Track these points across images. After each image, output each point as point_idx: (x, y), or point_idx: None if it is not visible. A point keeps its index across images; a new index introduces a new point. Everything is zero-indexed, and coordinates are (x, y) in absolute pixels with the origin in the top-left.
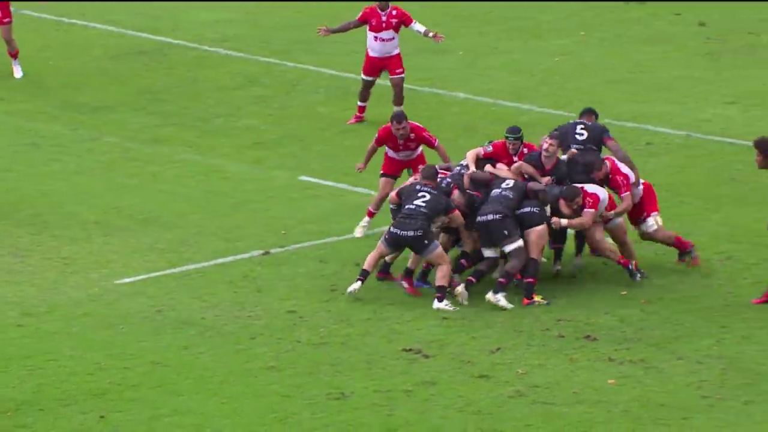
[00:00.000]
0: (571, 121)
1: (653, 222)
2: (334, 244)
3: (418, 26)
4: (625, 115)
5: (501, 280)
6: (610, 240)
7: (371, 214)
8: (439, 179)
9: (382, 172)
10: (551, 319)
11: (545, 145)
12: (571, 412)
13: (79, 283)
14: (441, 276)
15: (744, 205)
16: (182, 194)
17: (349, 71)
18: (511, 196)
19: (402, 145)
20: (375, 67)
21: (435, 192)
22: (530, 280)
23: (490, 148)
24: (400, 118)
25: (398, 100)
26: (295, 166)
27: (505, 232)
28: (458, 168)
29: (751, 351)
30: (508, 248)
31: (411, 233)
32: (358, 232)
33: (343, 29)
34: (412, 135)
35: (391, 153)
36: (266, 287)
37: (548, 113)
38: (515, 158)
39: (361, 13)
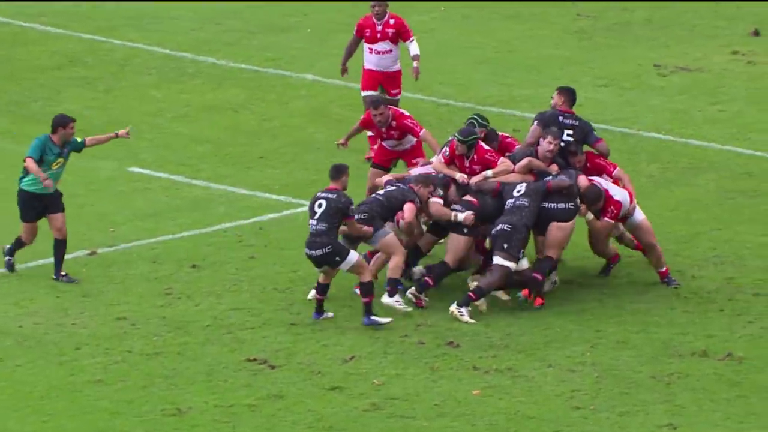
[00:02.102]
0: (559, 119)
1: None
2: (169, 242)
3: (412, 46)
4: (492, 99)
5: (470, 294)
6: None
7: None
8: (389, 188)
9: (372, 162)
10: (410, 325)
11: (551, 147)
12: (432, 426)
13: None
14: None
15: None
16: None
17: (185, 50)
18: (527, 204)
19: (385, 133)
20: (374, 79)
21: (333, 195)
22: (538, 276)
23: (447, 152)
24: (376, 103)
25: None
26: (123, 155)
27: (504, 245)
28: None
29: (626, 357)
30: (497, 260)
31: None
32: None
33: (349, 53)
34: (394, 123)
35: (382, 142)
36: (93, 291)
37: (406, 97)
38: (467, 163)
39: (355, 29)
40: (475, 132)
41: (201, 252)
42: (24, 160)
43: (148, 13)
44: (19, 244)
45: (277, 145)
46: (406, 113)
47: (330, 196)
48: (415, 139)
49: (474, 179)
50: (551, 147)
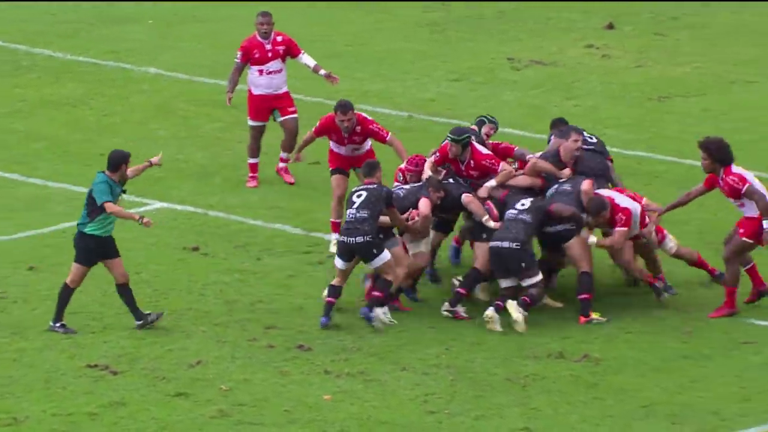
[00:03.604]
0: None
1: (671, 243)
2: (4, 244)
3: (306, 58)
4: (342, 94)
5: (525, 298)
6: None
7: (337, 227)
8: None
9: (330, 168)
10: (259, 328)
11: (576, 144)
12: None
13: None
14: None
15: None
16: None
17: (19, 42)
18: (528, 220)
19: (347, 138)
20: (263, 108)
21: (372, 186)
22: (585, 296)
23: (437, 154)
24: (345, 108)
25: (290, 144)
26: None
27: (523, 265)
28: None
29: (480, 359)
30: (527, 283)
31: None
32: (334, 248)
33: (235, 82)
34: (358, 128)
35: (334, 147)
36: None
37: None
38: (462, 167)
39: (239, 54)
40: (468, 131)
41: (39, 253)
42: (102, 206)
43: None
44: (66, 293)
45: (118, 141)
46: (370, 118)
47: (370, 186)
48: (369, 143)
49: (480, 192)
50: (576, 144)
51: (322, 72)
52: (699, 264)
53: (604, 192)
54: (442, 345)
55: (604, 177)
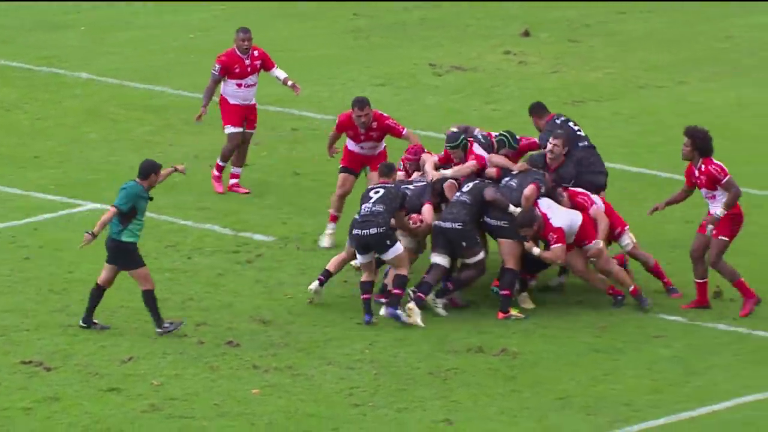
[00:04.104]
0: (560, 119)
1: (628, 239)
2: None
3: (278, 72)
4: (270, 98)
5: (449, 283)
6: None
7: (335, 219)
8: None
9: (341, 165)
10: (190, 324)
11: (549, 146)
12: (211, 426)
13: None
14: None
15: None
16: None
17: None
18: (468, 202)
19: (363, 135)
20: (240, 115)
21: (389, 185)
22: (506, 292)
23: (442, 153)
24: (362, 104)
25: (243, 156)
26: None
27: (464, 244)
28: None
29: (403, 354)
30: (468, 261)
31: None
32: (325, 241)
33: (210, 95)
34: (375, 124)
35: (351, 145)
36: None
37: (184, 95)
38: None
39: (218, 67)
40: (459, 135)
41: None
42: (131, 212)
43: None
44: (151, 299)
45: (51, 144)
46: (386, 114)
47: (387, 185)
48: (384, 145)
49: (431, 176)
50: (550, 147)
51: (290, 83)
52: (654, 271)
53: (544, 204)
54: (367, 341)
55: (590, 181)
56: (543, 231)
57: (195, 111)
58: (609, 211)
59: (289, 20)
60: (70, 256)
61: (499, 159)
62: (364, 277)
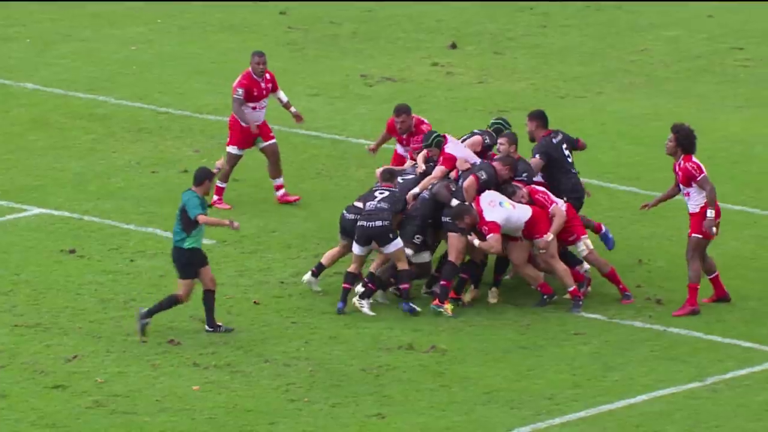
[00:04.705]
0: (557, 139)
1: (583, 246)
2: None
3: (281, 94)
4: (209, 108)
5: (371, 285)
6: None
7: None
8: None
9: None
10: (133, 324)
11: (498, 145)
12: (154, 422)
13: None
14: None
15: (330, 200)
16: None
17: None
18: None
19: (405, 140)
20: (250, 138)
21: (393, 189)
22: (444, 282)
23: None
24: (399, 111)
25: (276, 168)
26: None
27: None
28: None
29: (338, 351)
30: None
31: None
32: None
33: (242, 114)
34: (415, 129)
35: (399, 149)
36: None
37: (126, 105)
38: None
39: (241, 92)
40: (430, 135)
41: None
42: (196, 220)
43: None
44: (172, 302)
45: None
46: (426, 120)
47: (391, 189)
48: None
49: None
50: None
51: (292, 110)
52: (611, 277)
53: (486, 198)
54: (302, 339)
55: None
56: (479, 224)
57: (137, 121)
58: (572, 217)
59: (225, 34)
60: (17, 258)
61: (464, 153)
62: (350, 268)
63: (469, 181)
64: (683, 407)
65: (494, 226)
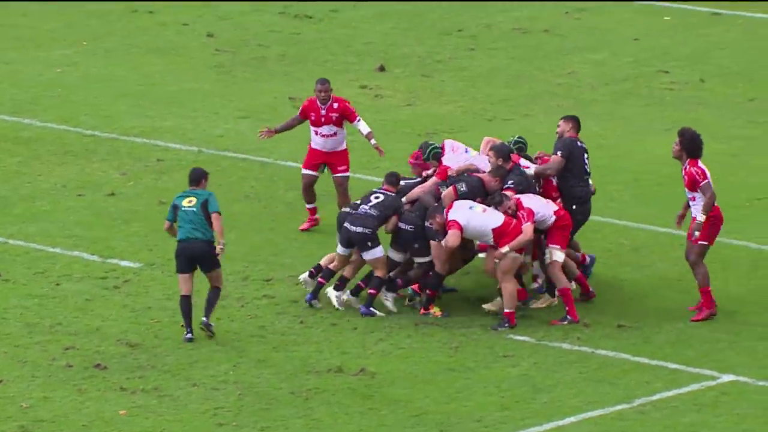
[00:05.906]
0: (578, 145)
1: (548, 254)
2: None
3: (362, 125)
4: (135, 130)
5: (371, 291)
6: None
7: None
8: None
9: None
10: (59, 348)
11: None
12: None
13: None
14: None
15: (258, 222)
16: None
17: None
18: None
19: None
20: (318, 158)
21: (391, 193)
22: (428, 292)
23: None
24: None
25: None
26: None
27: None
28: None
29: (267, 375)
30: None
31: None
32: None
33: (287, 127)
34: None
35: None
36: None
37: (52, 128)
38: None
39: (300, 108)
40: (427, 148)
41: None
42: (217, 216)
43: None
44: (218, 296)
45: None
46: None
47: (388, 193)
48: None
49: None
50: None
51: (373, 142)
52: (563, 295)
53: (456, 203)
54: (231, 362)
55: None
56: (446, 224)
57: (62, 143)
58: (562, 226)
59: (151, 56)
60: None
61: (461, 164)
62: (332, 266)
63: (447, 191)
64: (611, 429)
65: (455, 224)
